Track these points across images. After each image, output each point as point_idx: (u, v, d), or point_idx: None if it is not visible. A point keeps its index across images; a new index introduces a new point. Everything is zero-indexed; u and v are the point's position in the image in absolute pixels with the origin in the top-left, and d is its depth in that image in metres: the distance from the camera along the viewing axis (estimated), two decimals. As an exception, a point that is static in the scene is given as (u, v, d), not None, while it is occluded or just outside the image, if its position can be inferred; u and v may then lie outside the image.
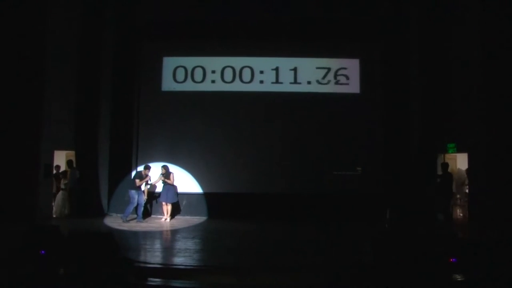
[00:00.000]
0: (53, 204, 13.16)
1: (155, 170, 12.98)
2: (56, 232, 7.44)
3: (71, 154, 13.80)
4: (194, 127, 13.83)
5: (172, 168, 13.21)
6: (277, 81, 14.04)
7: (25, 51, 11.95)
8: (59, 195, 13.29)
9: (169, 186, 12.77)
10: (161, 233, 11.04)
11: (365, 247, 8.82)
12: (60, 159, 13.96)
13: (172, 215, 12.94)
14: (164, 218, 12.74)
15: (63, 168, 13.90)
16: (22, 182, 11.83)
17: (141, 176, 12.65)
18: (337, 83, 14.00)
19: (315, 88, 13.96)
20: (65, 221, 11.94)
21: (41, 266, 6.59)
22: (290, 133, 13.78)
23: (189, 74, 14.16)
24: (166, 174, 12.79)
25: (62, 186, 13.31)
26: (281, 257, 8.28)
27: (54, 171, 13.43)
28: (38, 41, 12.20)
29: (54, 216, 12.94)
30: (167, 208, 12.82)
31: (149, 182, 12.86)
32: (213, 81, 14.12)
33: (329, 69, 14.01)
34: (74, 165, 13.51)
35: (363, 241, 9.71)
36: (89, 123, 13.64)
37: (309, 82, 14.02)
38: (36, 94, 12.16)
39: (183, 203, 13.71)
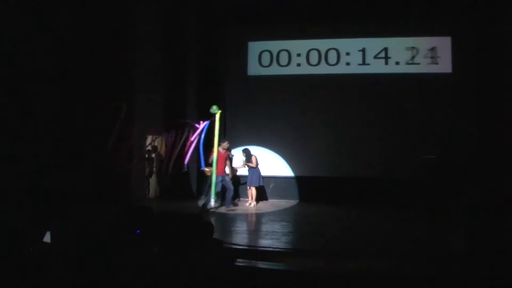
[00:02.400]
0: (147, 186, 13.72)
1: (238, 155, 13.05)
2: (149, 213, 7.67)
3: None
4: (280, 110, 13.69)
5: (259, 151, 13.18)
6: (363, 63, 13.53)
7: (115, 41, 12.38)
8: (153, 178, 13.81)
9: (253, 170, 12.58)
10: (248, 215, 11.11)
11: (458, 234, 8.33)
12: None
13: (258, 199, 12.78)
14: (248, 203, 12.60)
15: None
16: (117, 165, 12.39)
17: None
18: (427, 63, 13.24)
19: (403, 69, 13.27)
20: (157, 203, 12.38)
21: (137, 245, 6.80)
22: (378, 115, 13.23)
23: (274, 58, 14.05)
24: (247, 158, 12.58)
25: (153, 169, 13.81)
26: (372, 242, 7.99)
27: (146, 155, 13.93)
28: (126, 30, 12.61)
29: (147, 197, 13.48)
30: (251, 192, 12.69)
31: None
32: (298, 65, 13.91)
33: (418, 49, 13.28)
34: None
35: (455, 228, 9.20)
36: (177, 109, 13.95)
37: (397, 63, 13.37)
38: (127, 81, 12.61)
39: (270, 186, 13.72)
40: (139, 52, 12.78)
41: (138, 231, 7.10)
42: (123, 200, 11.39)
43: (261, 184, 12.77)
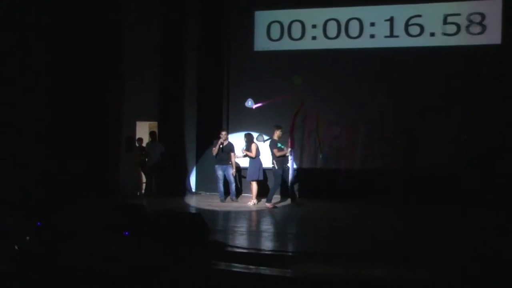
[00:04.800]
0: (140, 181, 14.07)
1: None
2: (141, 212, 7.94)
3: (154, 125, 14.46)
4: (291, 91, 13.55)
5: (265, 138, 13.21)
6: (391, 35, 13.50)
7: (103, 16, 12.63)
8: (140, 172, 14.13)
9: (251, 160, 12.38)
10: (254, 214, 11.19)
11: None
12: (143, 131, 14.69)
13: (260, 195, 12.47)
14: (251, 202, 12.35)
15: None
16: (103, 157, 12.68)
17: (216, 144, 12.51)
18: (470, 32, 13.05)
19: (440, 40, 13.15)
20: (150, 199, 12.65)
21: (125, 248, 7.07)
22: (409, 97, 13.15)
23: (286, 31, 14.09)
24: (247, 145, 12.39)
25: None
26: (394, 245, 8.11)
27: (137, 145, 14.19)
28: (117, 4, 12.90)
29: (139, 194, 13.79)
30: (252, 187, 12.44)
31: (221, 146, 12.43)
32: (313, 38, 13.95)
33: (459, 16, 13.10)
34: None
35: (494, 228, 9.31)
36: (173, 90, 14.11)
37: (432, 34, 13.25)
38: (116, 60, 12.85)
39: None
40: (133, 22, 13.03)
41: (126, 233, 7.43)
42: (111, 197, 11.70)
43: (261, 178, 12.46)
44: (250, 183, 12.50)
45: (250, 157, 12.36)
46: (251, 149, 12.33)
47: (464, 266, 6.36)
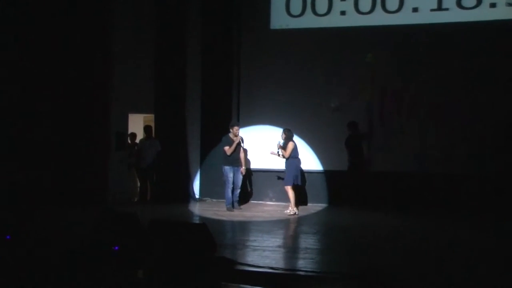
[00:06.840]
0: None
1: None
2: (133, 222, 7.85)
3: (150, 118, 14.39)
4: (315, 77, 13.65)
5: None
6: (439, 8, 13.19)
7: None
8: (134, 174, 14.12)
9: (287, 162, 12.28)
10: (269, 224, 11.14)
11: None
12: (137, 126, 14.67)
13: (297, 204, 12.45)
14: (289, 210, 12.26)
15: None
16: (89, 156, 12.65)
17: (229, 141, 12.42)
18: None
19: (502, 13, 12.73)
20: (146, 207, 12.61)
21: (113, 266, 6.99)
22: (461, 84, 12.95)
23: (308, 4, 13.95)
24: (285, 142, 12.23)
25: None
26: (446, 263, 8.01)
27: (129, 142, 14.15)
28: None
29: (136, 200, 13.77)
30: (288, 193, 12.31)
31: (241, 144, 12.53)
32: (342, 13, 13.79)
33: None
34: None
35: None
36: (173, 78, 14.07)
37: (492, 5, 12.78)
38: (103, 39, 12.83)
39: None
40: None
41: (116, 247, 7.32)
42: (98, 203, 11.67)
43: (296, 182, 12.35)
44: (286, 189, 12.36)
45: (283, 156, 12.25)
46: (287, 148, 12.19)
47: None
